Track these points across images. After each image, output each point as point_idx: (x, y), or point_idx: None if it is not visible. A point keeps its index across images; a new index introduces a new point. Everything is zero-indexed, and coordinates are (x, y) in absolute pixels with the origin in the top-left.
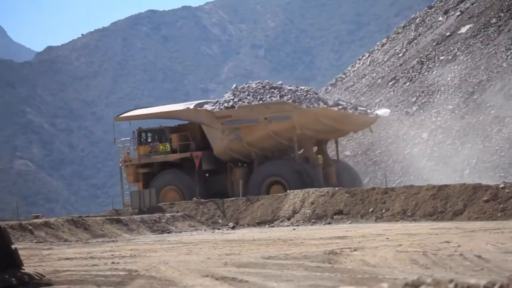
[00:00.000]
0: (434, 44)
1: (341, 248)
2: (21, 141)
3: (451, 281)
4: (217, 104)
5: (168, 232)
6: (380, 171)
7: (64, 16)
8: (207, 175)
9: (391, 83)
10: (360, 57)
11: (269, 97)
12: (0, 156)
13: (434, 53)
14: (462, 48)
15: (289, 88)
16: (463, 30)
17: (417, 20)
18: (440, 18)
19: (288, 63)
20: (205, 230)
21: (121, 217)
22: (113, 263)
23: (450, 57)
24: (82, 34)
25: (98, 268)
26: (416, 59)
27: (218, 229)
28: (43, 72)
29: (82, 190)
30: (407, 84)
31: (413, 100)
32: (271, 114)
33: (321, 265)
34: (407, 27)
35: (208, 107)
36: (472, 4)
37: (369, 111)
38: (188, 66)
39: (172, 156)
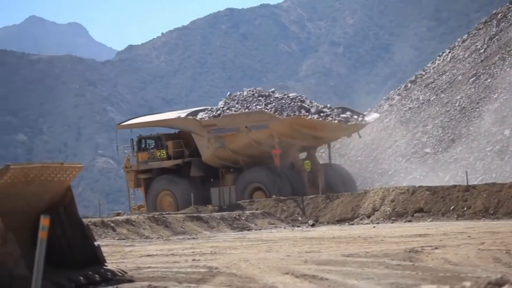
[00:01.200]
0: None
1: (422, 246)
2: (103, 139)
3: None
4: (209, 112)
5: (248, 230)
6: (462, 169)
7: (144, 16)
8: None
9: (472, 79)
10: (440, 53)
11: (255, 105)
12: (82, 154)
13: None
14: None
15: (276, 96)
16: None
17: (499, 15)
18: None
19: (367, 60)
20: (285, 228)
21: (201, 215)
22: (193, 260)
23: None
24: (162, 33)
25: (179, 265)
26: (498, 55)
27: (298, 226)
28: (124, 70)
29: None
30: (489, 80)
31: (495, 96)
32: (251, 123)
33: (402, 263)
34: (489, 23)
35: (201, 115)
36: None
37: (356, 117)
38: (267, 64)
39: (167, 162)
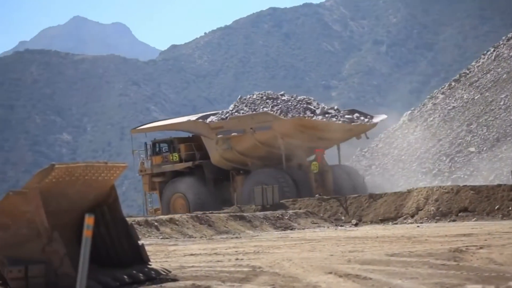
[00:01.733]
0: None
1: (467, 246)
2: (146, 138)
3: None
4: (219, 115)
5: (291, 229)
6: (507, 168)
7: (187, 15)
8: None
9: None
10: (485, 52)
11: (262, 108)
12: (126, 154)
13: None
14: None
15: (283, 98)
16: None
17: None
18: None
19: (410, 59)
20: (328, 227)
21: (245, 214)
22: (237, 259)
23: None
24: (205, 33)
25: (223, 264)
26: None
27: (341, 226)
28: (167, 70)
29: None
30: None
31: None
32: (255, 125)
33: (446, 263)
34: None
35: (211, 118)
36: None
37: (363, 118)
38: (310, 63)
39: (179, 165)
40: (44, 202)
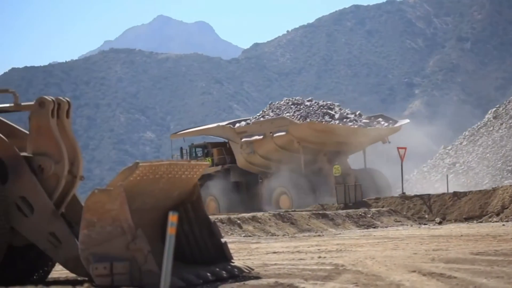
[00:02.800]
0: None
1: None
2: None
3: None
4: (248, 121)
5: (374, 227)
6: None
7: (269, 14)
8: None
9: None
10: None
11: (286, 113)
12: None
13: None
14: None
15: (306, 103)
16: None
17: None
18: None
19: (495, 56)
20: (411, 225)
21: (327, 212)
22: (319, 257)
23: None
24: (288, 31)
25: (305, 262)
26: None
27: (424, 224)
28: (250, 68)
29: None
30: None
31: None
32: (274, 129)
33: None
34: None
35: (240, 123)
36: None
37: (384, 123)
38: (392, 60)
39: (211, 169)
40: (128, 200)
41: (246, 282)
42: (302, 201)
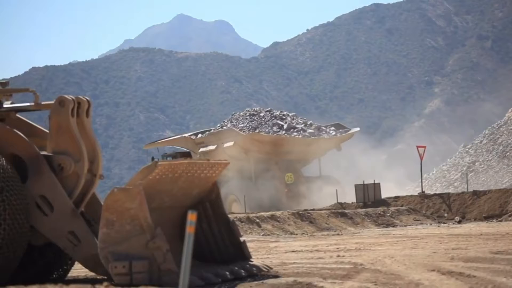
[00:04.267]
0: None
1: None
2: None
3: None
4: (207, 132)
5: (393, 226)
6: None
7: (289, 12)
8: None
9: None
10: None
11: (241, 124)
12: None
13: None
14: None
15: (261, 114)
16: None
17: None
18: None
19: None
20: (430, 224)
21: (346, 211)
22: (338, 256)
23: None
24: (307, 29)
25: (324, 261)
26: None
27: (444, 223)
28: (269, 67)
29: None
30: None
31: None
32: (224, 140)
33: None
34: None
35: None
36: None
37: (333, 132)
38: (412, 59)
39: None
40: (147, 199)
41: (265, 281)
42: (253, 209)
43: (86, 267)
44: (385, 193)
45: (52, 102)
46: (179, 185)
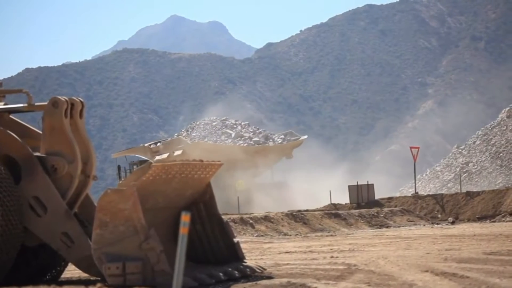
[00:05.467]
0: None
1: None
2: None
3: None
4: (163, 141)
5: (386, 227)
6: None
7: (283, 13)
8: None
9: None
10: None
11: (195, 132)
12: None
13: None
14: None
15: (214, 123)
16: None
17: None
18: None
19: (509, 55)
20: (424, 225)
21: (340, 212)
22: (332, 257)
23: None
24: (301, 30)
25: (318, 262)
26: None
27: (437, 224)
28: (263, 68)
29: None
30: None
31: None
32: (174, 148)
33: None
34: None
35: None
36: None
37: (279, 140)
38: (406, 60)
39: None
40: (141, 200)
41: (259, 282)
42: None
43: (80, 268)
44: (378, 194)
45: (46, 103)
46: (173, 186)
